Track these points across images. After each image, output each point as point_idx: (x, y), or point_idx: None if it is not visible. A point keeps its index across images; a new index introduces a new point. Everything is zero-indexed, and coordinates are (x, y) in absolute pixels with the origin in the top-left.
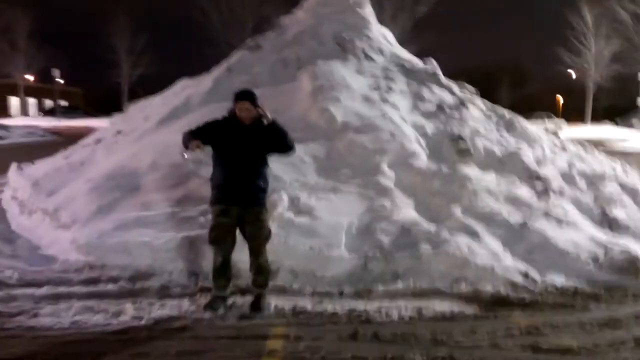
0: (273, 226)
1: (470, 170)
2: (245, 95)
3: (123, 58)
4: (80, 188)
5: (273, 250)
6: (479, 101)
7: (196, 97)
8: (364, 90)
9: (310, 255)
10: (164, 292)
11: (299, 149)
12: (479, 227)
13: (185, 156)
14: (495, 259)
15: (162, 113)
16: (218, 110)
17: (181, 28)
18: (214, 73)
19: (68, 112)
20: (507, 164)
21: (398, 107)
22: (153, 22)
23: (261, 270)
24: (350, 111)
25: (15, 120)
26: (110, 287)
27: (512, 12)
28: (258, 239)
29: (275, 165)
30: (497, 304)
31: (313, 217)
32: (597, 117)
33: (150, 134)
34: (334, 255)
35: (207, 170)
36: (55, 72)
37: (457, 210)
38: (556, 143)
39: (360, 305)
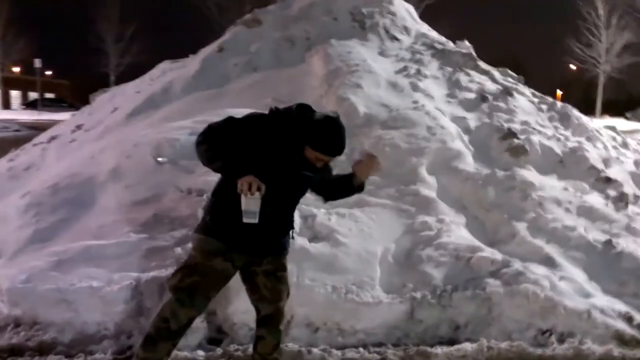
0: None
1: (530, 174)
2: (340, 151)
3: (110, 46)
4: (14, 204)
5: None
6: (526, 90)
7: (179, 83)
8: (390, 76)
9: (332, 300)
10: None
11: None
12: (554, 251)
13: (160, 160)
14: (586, 298)
15: (135, 103)
16: (205, 99)
17: (174, 13)
18: (202, 53)
19: (51, 105)
20: (570, 165)
21: (432, 96)
22: (143, 6)
23: (278, 349)
24: (375, 101)
25: None
26: None
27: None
28: (282, 300)
29: None
30: None
31: (334, 243)
32: (603, 111)
33: (116, 130)
34: (367, 299)
35: (189, 181)
36: (38, 62)
37: (522, 228)
38: (616, 138)
39: None
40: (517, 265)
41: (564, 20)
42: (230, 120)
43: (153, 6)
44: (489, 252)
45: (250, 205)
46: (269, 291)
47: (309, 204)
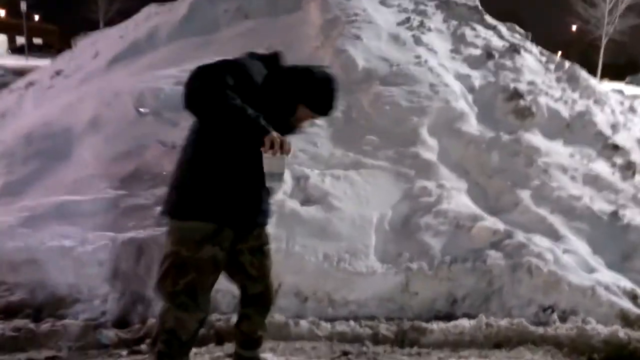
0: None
1: (536, 139)
2: (333, 112)
3: None
4: None
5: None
6: (534, 47)
7: (165, 29)
8: (392, 27)
9: (324, 268)
10: (89, 338)
11: None
12: (557, 221)
13: (143, 111)
14: (590, 273)
15: (118, 48)
16: (192, 46)
17: None
18: None
19: (39, 51)
20: (577, 130)
21: (436, 51)
22: None
23: (264, 326)
24: (375, 54)
25: None
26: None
27: None
28: (270, 276)
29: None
30: (616, 353)
31: (328, 207)
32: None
33: (97, 77)
34: (361, 269)
35: (173, 134)
36: (23, 5)
37: (526, 197)
38: (623, 103)
39: (405, 359)
40: (520, 236)
41: None
42: (229, 61)
43: None
44: (491, 222)
45: (276, 166)
46: (257, 269)
47: (302, 164)
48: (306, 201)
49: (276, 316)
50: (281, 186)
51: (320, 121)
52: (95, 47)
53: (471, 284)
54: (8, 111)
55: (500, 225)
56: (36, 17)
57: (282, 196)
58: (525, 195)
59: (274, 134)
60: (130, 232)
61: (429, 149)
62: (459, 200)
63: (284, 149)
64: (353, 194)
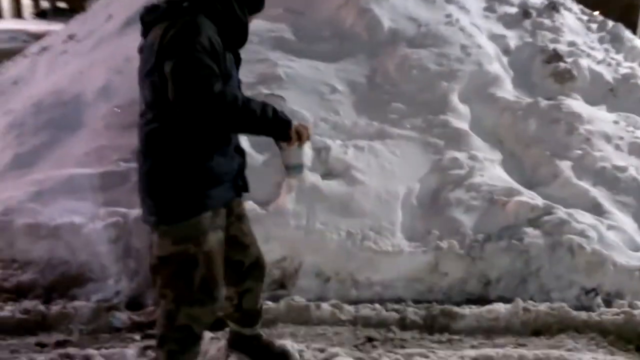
0: (288, 198)
1: (577, 105)
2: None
3: None
4: None
5: (288, 239)
6: (574, 5)
7: None
8: None
9: (347, 247)
10: (101, 321)
11: (328, 69)
12: (601, 195)
13: None
14: (636, 252)
15: (131, 11)
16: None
17: None
18: None
19: (62, 15)
20: (621, 94)
21: (468, 9)
22: None
23: (261, 295)
24: (402, 13)
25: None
26: (9, 309)
27: None
28: (255, 240)
29: (293, 94)
30: None
31: (351, 180)
32: None
33: (109, 41)
34: (386, 248)
35: None
36: None
37: (566, 168)
38: None
39: (435, 346)
40: (560, 212)
41: None
42: (201, 60)
43: None
44: (528, 196)
45: (295, 157)
46: (248, 235)
47: (323, 134)
48: (327, 174)
49: (296, 298)
50: (302, 177)
51: (342, 86)
52: (109, 9)
53: (506, 264)
54: (20, 78)
55: (539, 200)
56: None
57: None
58: (565, 166)
59: (295, 123)
60: None
61: (460, 117)
62: (493, 172)
63: (302, 139)
64: (378, 166)
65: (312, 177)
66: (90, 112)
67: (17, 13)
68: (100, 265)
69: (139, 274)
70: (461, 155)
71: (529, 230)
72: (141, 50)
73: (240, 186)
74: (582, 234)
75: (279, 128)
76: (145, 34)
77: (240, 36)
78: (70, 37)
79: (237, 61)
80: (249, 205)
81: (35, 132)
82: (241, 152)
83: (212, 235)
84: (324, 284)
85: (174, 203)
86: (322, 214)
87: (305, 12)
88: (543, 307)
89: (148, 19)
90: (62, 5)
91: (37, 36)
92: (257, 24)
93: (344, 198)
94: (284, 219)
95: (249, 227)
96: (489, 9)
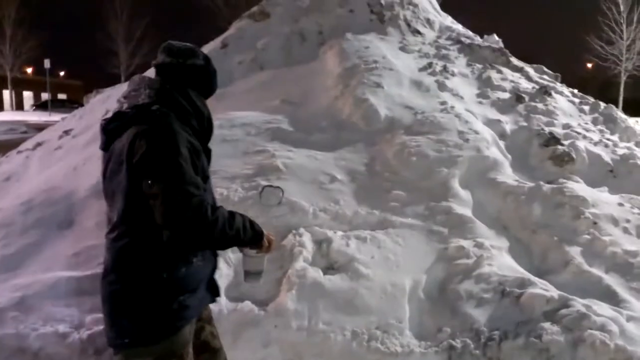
0: (289, 295)
1: (580, 187)
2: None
3: (121, 46)
4: None
5: (289, 340)
6: (565, 88)
7: None
8: (413, 74)
9: (352, 349)
10: None
11: (327, 159)
12: (615, 282)
13: None
14: None
15: None
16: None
17: (183, 12)
18: (204, 50)
19: (62, 106)
20: (622, 175)
21: (461, 96)
22: (152, 5)
23: None
24: (398, 102)
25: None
26: None
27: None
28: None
29: (291, 184)
30: None
31: (354, 274)
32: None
33: None
34: (395, 348)
35: None
36: (47, 63)
37: (576, 254)
38: None
39: None
40: (577, 304)
41: (583, 17)
42: (187, 181)
43: (163, 5)
44: (541, 287)
45: (256, 264)
46: (217, 338)
47: (323, 225)
48: (329, 268)
49: None
50: (259, 283)
51: (342, 175)
52: (106, 104)
53: None
54: (13, 174)
55: (553, 292)
56: (62, 74)
57: (302, 264)
58: (574, 252)
59: (265, 232)
60: None
61: (463, 203)
62: (502, 261)
63: (273, 246)
64: (381, 257)
65: (313, 272)
66: (82, 209)
67: (19, 105)
68: None
69: None
70: (467, 244)
71: (547, 325)
72: (107, 159)
73: (214, 288)
74: (603, 328)
75: (255, 239)
76: (107, 144)
77: (208, 130)
78: (66, 132)
79: (208, 156)
80: (247, 306)
81: (24, 231)
82: (215, 254)
83: (189, 343)
84: None
85: (154, 321)
86: (325, 313)
87: (302, 103)
88: None
89: (112, 126)
90: (62, 96)
91: (36, 127)
92: (254, 116)
93: (347, 294)
94: (284, 320)
95: (216, 329)
96: (482, 95)
